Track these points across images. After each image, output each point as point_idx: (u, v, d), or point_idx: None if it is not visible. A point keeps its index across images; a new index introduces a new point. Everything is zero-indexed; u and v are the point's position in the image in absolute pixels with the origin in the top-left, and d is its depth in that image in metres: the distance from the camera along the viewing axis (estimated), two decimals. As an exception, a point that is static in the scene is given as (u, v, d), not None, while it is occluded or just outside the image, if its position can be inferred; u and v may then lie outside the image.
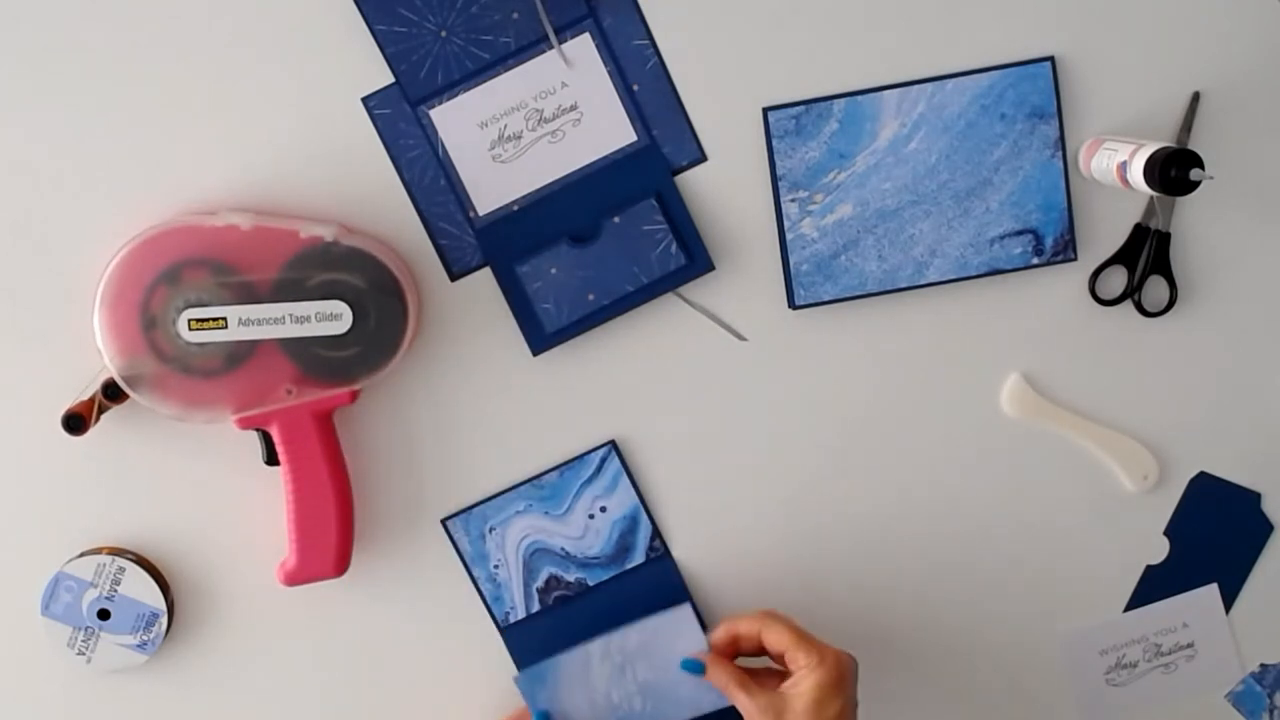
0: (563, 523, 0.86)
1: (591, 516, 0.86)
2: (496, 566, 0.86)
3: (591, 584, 0.87)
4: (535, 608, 0.87)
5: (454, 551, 0.86)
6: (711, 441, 0.87)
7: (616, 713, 0.84)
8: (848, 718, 0.78)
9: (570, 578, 0.87)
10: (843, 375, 0.87)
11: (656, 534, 0.87)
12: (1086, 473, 0.89)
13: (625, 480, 0.86)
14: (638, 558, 0.87)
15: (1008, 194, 0.84)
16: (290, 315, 0.77)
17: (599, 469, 0.86)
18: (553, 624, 0.87)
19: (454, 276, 0.84)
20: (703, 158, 0.84)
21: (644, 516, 0.87)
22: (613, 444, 0.86)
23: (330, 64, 0.81)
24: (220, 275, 0.77)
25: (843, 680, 0.78)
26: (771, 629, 0.80)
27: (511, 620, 0.87)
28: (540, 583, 0.87)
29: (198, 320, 0.76)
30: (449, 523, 0.86)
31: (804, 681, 0.78)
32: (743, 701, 0.79)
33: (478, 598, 0.87)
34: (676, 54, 0.83)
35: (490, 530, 0.86)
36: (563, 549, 0.87)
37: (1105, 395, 0.88)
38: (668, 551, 0.88)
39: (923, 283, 0.85)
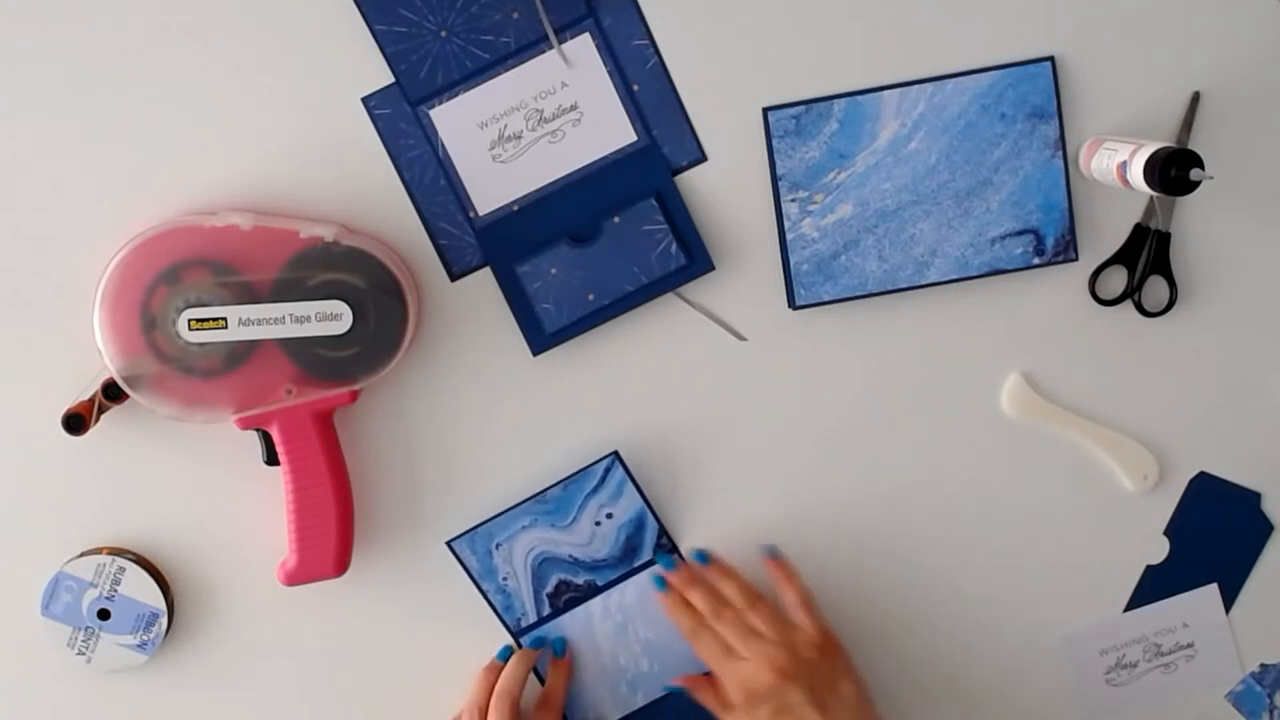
0: (569, 532, 0.86)
1: (598, 523, 0.87)
2: (505, 579, 0.87)
3: (600, 584, 0.87)
4: (546, 611, 0.87)
5: (461, 569, 0.86)
6: (711, 442, 0.87)
7: (625, 675, 0.88)
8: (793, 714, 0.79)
9: (579, 580, 0.87)
10: (843, 375, 0.87)
11: (663, 532, 0.87)
12: (1086, 473, 0.89)
13: (630, 487, 0.86)
14: (645, 555, 0.87)
15: (1008, 194, 0.84)
16: (290, 315, 0.77)
17: (603, 479, 0.86)
18: (565, 622, 0.88)
19: (454, 276, 0.84)
20: (703, 158, 0.84)
21: (650, 518, 0.87)
22: (616, 454, 0.86)
23: (330, 64, 0.81)
24: (220, 275, 0.77)
25: (773, 692, 0.79)
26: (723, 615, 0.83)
27: (523, 625, 0.87)
28: (550, 588, 0.87)
29: (198, 320, 0.76)
30: (455, 544, 0.86)
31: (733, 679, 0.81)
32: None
33: (487, 608, 0.87)
34: (676, 54, 0.83)
35: (497, 547, 0.86)
36: (570, 556, 0.87)
37: (1105, 395, 0.88)
38: (675, 547, 0.88)
39: (923, 283, 0.85)
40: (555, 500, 0.86)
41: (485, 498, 0.86)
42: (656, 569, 0.87)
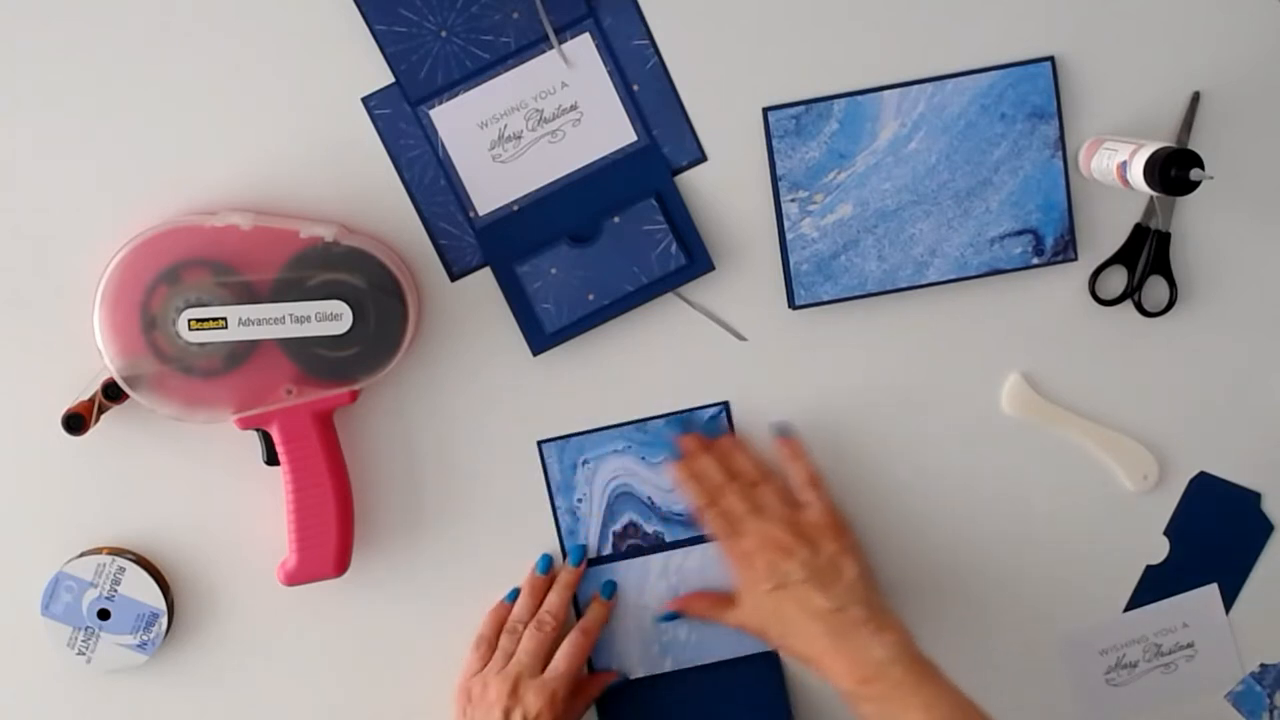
0: (657, 471, 0.86)
1: None
2: (580, 500, 0.86)
3: (668, 540, 0.87)
4: (608, 550, 0.87)
5: (542, 475, 0.86)
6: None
7: (661, 637, 0.88)
8: (793, 609, 0.79)
9: (649, 529, 0.87)
10: (843, 375, 0.87)
11: None
12: (1086, 473, 0.89)
13: None
14: None
15: (1008, 194, 0.84)
16: (290, 315, 0.77)
17: (706, 426, 0.86)
18: (620, 568, 0.87)
19: (454, 276, 0.84)
20: (703, 158, 0.84)
21: None
22: (725, 405, 0.85)
23: (330, 64, 0.81)
24: (220, 275, 0.77)
25: (754, 597, 0.81)
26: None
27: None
28: (618, 526, 0.87)
29: (198, 320, 0.76)
30: (545, 445, 0.86)
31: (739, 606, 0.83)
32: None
33: (550, 526, 0.86)
34: (676, 54, 0.83)
35: (584, 463, 0.86)
36: (649, 498, 0.86)
37: (1105, 395, 0.88)
38: None
39: (923, 283, 0.85)
40: (655, 433, 0.86)
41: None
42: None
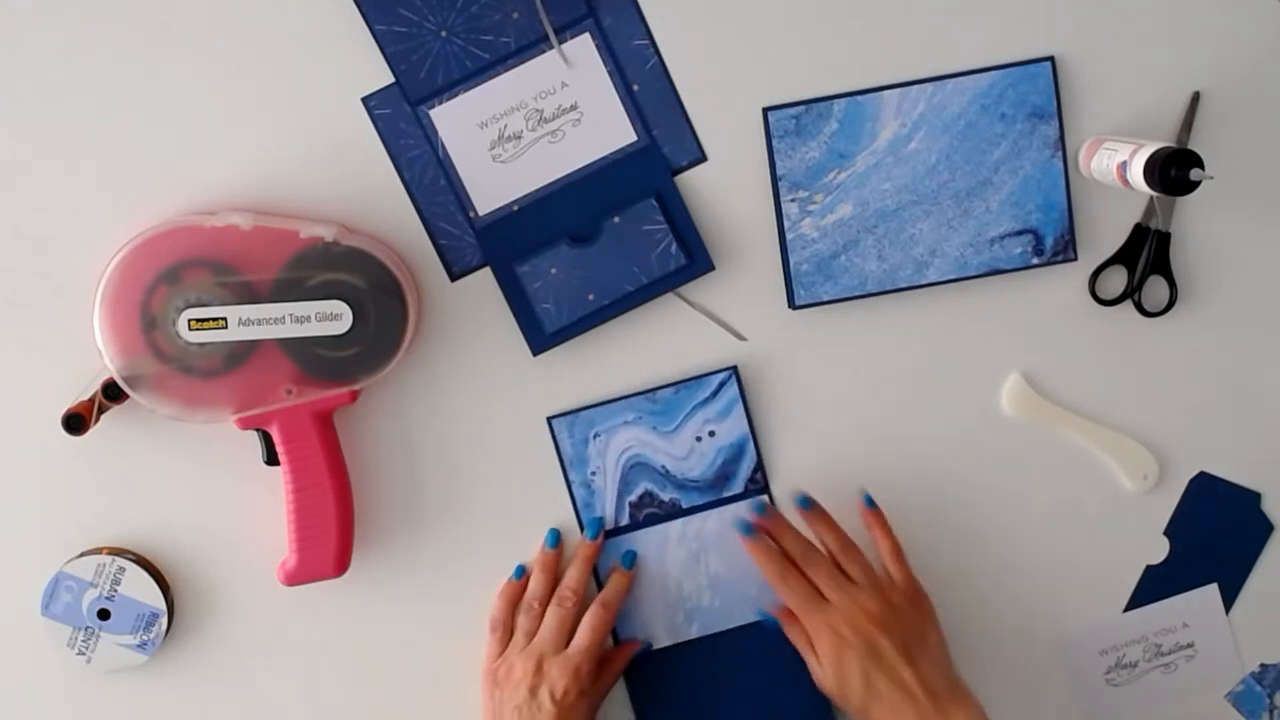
0: (669, 440, 0.86)
1: (699, 439, 0.86)
2: (594, 473, 0.86)
3: (685, 506, 0.87)
4: (625, 521, 0.87)
5: (553, 451, 0.86)
6: (711, 441, 0.87)
7: (685, 605, 0.87)
8: (878, 675, 0.79)
9: (665, 497, 0.87)
10: (842, 375, 0.87)
11: (759, 467, 0.87)
12: (1086, 473, 0.89)
13: (739, 409, 0.86)
14: (736, 488, 0.87)
15: (1008, 194, 0.84)
16: (290, 315, 0.77)
17: (716, 392, 0.86)
18: (639, 537, 0.87)
19: (454, 276, 0.84)
20: (703, 158, 0.84)
21: (751, 447, 0.86)
22: (734, 370, 0.85)
23: (330, 64, 0.81)
24: (220, 275, 0.77)
25: (841, 667, 0.80)
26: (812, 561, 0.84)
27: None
28: (634, 496, 0.87)
29: (198, 320, 0.76)
30: (554, 421, 0.85)
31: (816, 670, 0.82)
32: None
33: (565, 501, 0.86)
34: (676, 54, 0.83)
35: (595, 436, 0.86)
36: (663, 467, 0.86)
37: (1105, 395, 0.88)
38: (767, 486, 0.87)
39: (923, 283, 0.85)
40: (664, 402, 0.85)
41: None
42: (743, 513, 0.85)
